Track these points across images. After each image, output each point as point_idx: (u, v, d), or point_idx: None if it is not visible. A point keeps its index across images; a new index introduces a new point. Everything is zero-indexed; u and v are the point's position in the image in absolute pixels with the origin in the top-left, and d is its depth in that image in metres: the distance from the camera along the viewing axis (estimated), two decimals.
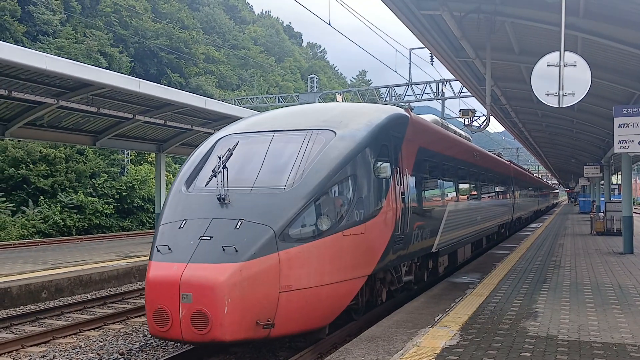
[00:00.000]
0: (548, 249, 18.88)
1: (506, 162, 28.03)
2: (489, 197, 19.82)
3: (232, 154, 8.38)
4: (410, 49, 34.64)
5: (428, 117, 13.93)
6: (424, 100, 36.57)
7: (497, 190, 22.07)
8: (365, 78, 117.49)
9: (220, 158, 8.23)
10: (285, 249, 7.18)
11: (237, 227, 7.24)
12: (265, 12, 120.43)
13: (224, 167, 8.00)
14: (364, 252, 8.38)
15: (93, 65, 32.60)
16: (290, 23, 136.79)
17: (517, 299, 9.80)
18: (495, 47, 14.36)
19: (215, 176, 8.01)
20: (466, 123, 18.23)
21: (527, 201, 34.54)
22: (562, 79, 8.84)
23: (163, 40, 62.58)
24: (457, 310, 8.92)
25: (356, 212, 8.12)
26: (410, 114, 11.08)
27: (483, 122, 18.00)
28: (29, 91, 16.71)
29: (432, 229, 11.64)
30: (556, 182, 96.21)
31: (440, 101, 36.14)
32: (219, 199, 7.65)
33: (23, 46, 33.80)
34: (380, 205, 8.78)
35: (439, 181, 12.75)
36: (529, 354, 6.43)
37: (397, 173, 9.52)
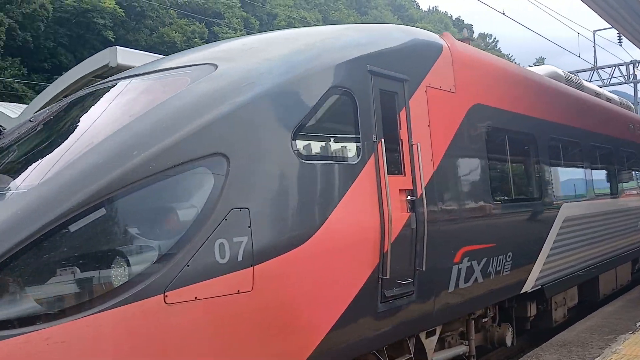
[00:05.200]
0: None
1: None
2: None
3: (42, 124, 5.06)
4: (594, 31, 31.95)
5: (543, 69, 10.16)
6: (613, 84, 33.48)
7: None
8: (543, 65, 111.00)
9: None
10: None
11: None
12: (433, 7, 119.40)
13: (9, 146, 4.86)
14: (262, 334, 4.15)
15: None
16: (459, 16, 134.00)
17: None
18: None
19: None
20: None
21: None
22: None
23: None
24: None
25: (224, 242, 3.92)
26: (448, 42, 6.56)
27: None
28: None
29: (519, 252, 7.08)
30: None
31: (632, 85, 32.89)
32: None
33: None
34: (315, 221, 4.51)
35: (536, 167, 8.01)
36: None
37: (381, 151, 5.13)
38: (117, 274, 3.59)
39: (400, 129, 5.46)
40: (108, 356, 3.42)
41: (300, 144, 4.55)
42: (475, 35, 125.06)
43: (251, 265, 4.00)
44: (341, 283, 4.67)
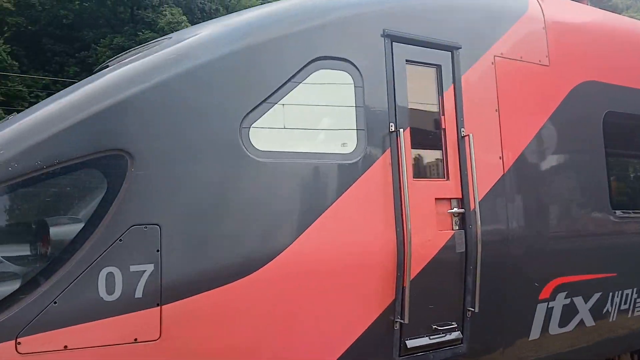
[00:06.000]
0: None
1: None
2: None
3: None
4: None
5: None
6: None
7: None
8: None
9: None
10: None
11: None
12: None
13: None
14: None
15: None
16: None
17: None
18: None
19: None
20: None
21: None
22: None
23: None
24: None
25: (115, 271, 2.89)
26: None
27: None
28: None
29: None
30: None
31: None
32: None
33: None
34: (273, 242, 3.34)
35: None
36: None
37: (401, 145, 3.84)
38: None
39: (443, 114, 4.18)
40: None
41: (256, 136, 3.38)
42: None
43: (157, 305, 2.92)
44: (321, 330, 3.35)
